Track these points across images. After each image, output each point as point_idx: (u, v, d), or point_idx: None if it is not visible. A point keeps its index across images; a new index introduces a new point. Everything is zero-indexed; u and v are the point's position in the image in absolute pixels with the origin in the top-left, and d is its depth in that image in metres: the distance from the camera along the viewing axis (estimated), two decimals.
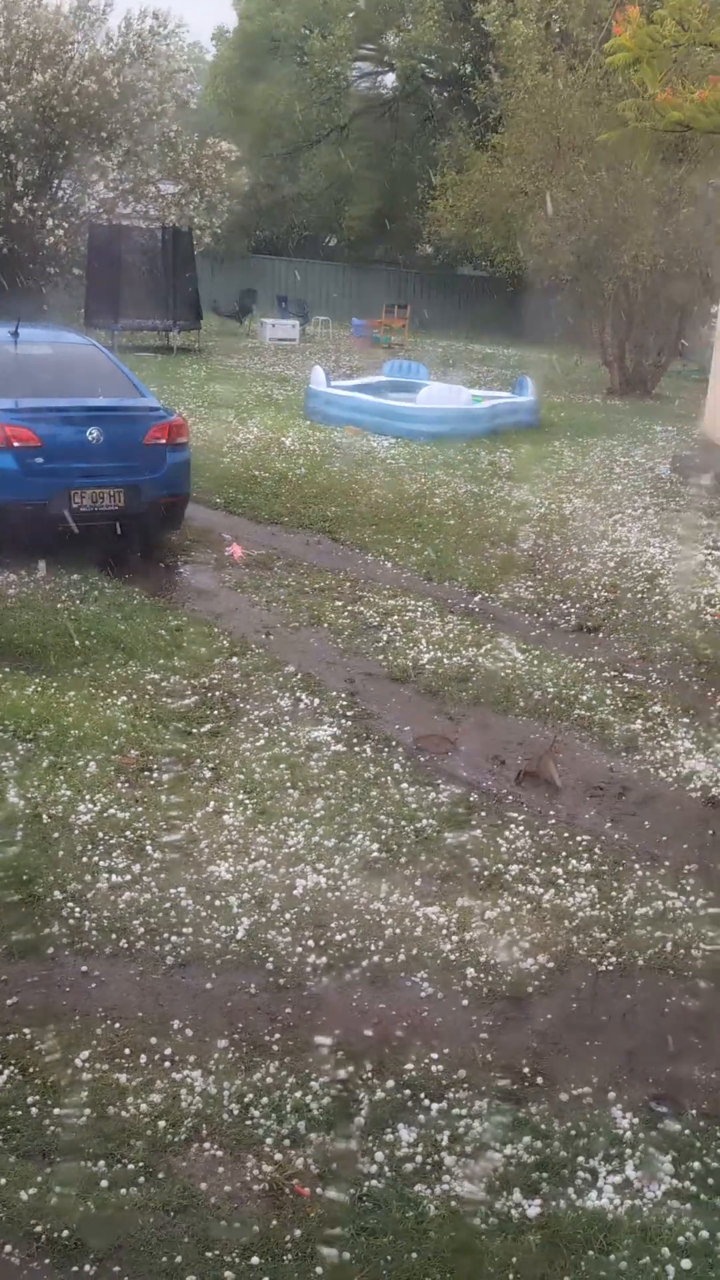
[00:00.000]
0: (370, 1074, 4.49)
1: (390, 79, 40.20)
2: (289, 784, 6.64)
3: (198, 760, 6.83)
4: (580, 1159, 4.16)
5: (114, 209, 27.53)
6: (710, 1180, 4.11)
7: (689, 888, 6.03)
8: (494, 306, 36.69)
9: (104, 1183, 3.87)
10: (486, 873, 5.98)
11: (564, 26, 26.47)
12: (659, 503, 14.38)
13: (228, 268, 35.06)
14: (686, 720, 8.04)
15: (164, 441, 10.29)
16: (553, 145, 24.32)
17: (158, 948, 5.14)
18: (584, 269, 24.85)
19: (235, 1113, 4.23)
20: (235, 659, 8.34)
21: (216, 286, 32.71)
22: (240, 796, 6.45)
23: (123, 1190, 3.85)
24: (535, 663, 8.79)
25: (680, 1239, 3.84)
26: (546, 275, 26.17)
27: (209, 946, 5.18)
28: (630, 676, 8.76)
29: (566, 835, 6.44)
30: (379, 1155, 4.10)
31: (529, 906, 5.72)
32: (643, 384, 25.65)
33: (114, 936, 5.19)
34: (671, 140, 11.08)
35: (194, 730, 7.21)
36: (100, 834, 5.99)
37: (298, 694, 7.87)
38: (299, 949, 5.21)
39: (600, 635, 9.61)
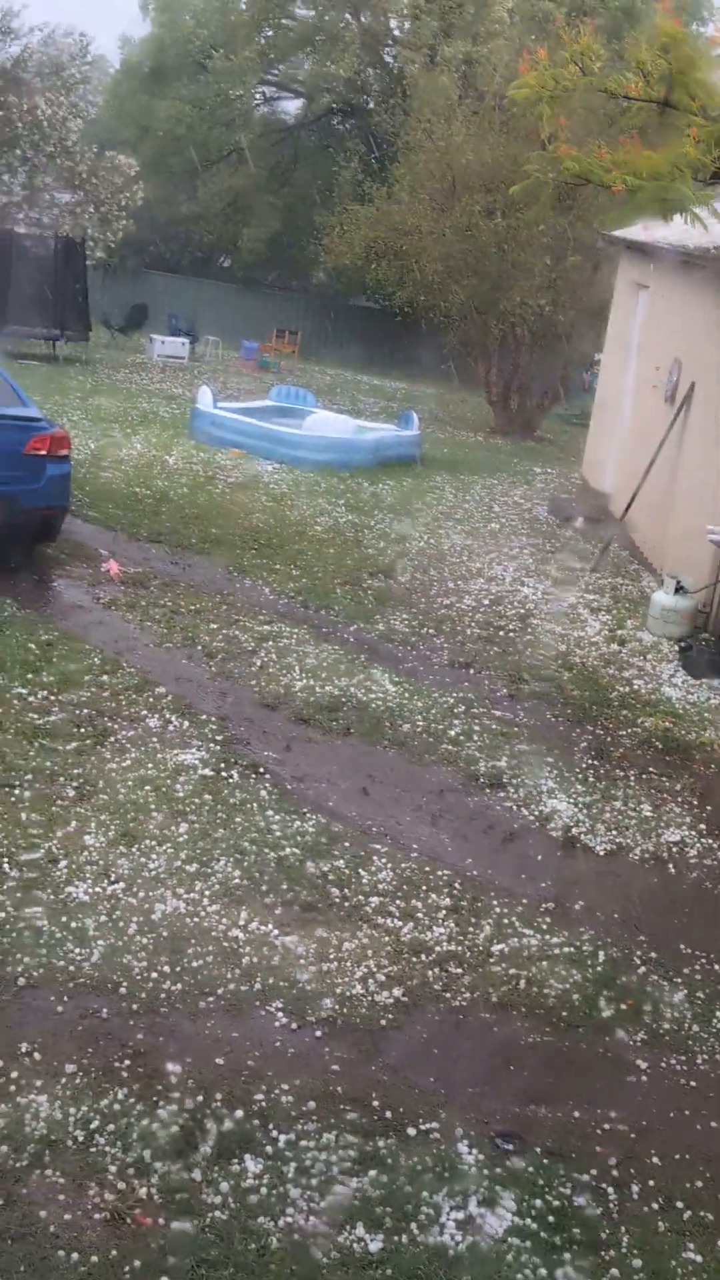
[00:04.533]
0: (219, 1103, 4.46)
1: (293, 105, 40.37)
2: (154, 806, 6.58)
3: (61, 778, 6.74)
4: (425, 1194, 4.18)
5: (6, 215, 27.16)
6: (551, 1218, 4.17)
7: (544, 926, 6.12)
8: (384, 339, 36.94)
9: None
10: (347, 903, 6.00)
11: (480, 85, 26.77)
12: (535, 543, 14.62)
13: (120, 281, 34.76)
14: (551, 759, 8.17)
15: (44, 452, 10.15)
16: (448, 185, 24.65)
17: (9, 968, 5.04)
18: (473, 310, 25.21)
19: (80, 1139, 4.17)
20: (106, 677, 8.24)
21: (108, 300, 32.39)
22: (103, 817, 6.37)
23: None
24: (406, 695, 8.86)
25: (519, 1276, 3.88)
26: (436, 313, 26.47)
27: (62, 969, 5.10)
28: (498, 713, 8.87)
29: (428, 869, 6.49)
30: (224, 1186, 4.07)
31: (387, 939, 5.74)
32: (525, 425, 26.07)
33: None
34: (564, 190, 11.34)
35: (59, 748, 7.10)
36: None
37: (168, 715, 7.81)
38: (154, 974, 5.16)
39: (472, 671, 9.72)
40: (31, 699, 7.69)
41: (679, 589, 11.19)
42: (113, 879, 5.83)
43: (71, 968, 5.11)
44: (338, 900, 6.01)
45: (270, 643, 9.48)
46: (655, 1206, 4.34)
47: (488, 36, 30.78)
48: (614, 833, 7.29)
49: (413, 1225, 4.05)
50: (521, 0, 31.49)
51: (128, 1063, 4.60)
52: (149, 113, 36.25)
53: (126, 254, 33.98)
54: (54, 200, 27.99)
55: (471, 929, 5.97)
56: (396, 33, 35.16)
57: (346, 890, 6.11)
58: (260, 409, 19.70)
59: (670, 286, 14.44)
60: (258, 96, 39.03)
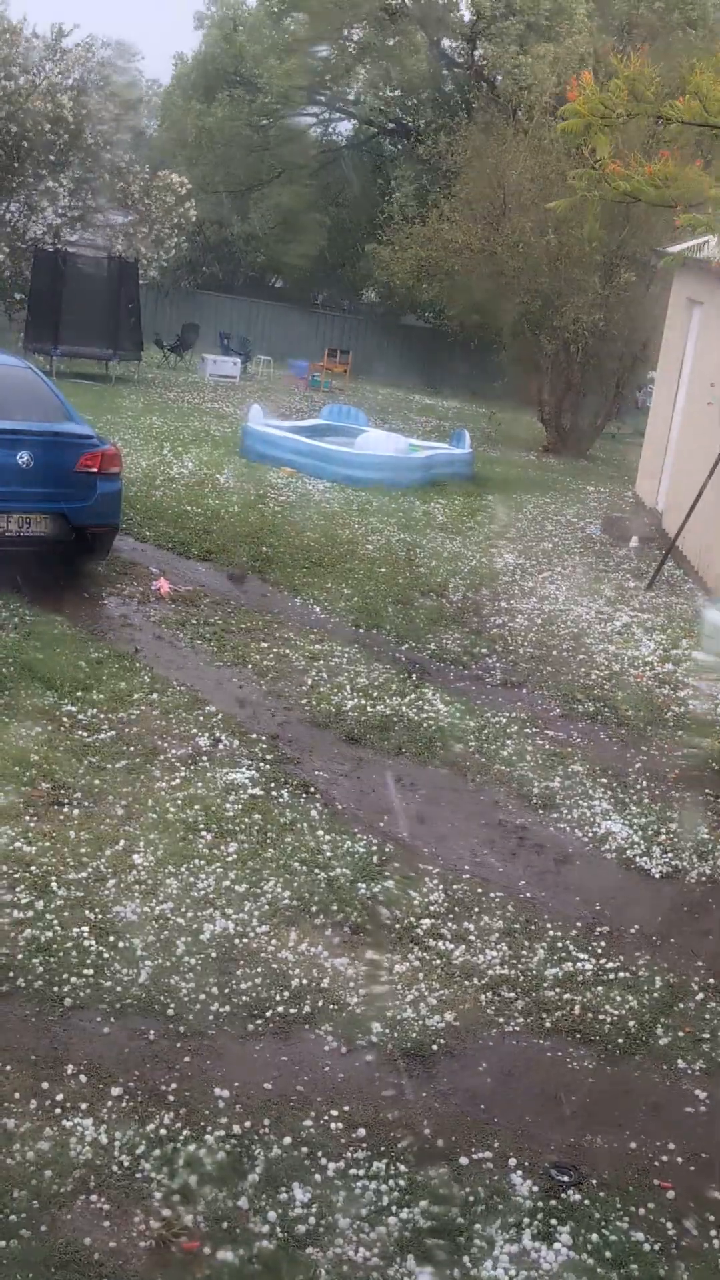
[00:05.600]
0: (267, 1129, 4.38)
1: (346, 126, 40.58)
2: (203, 826, 6.52)
3: (110, 797, 6.69)
4: (477, 1226, 4.07)
5: (60, 235, 27.43)
6: (608, 1253, 4.04)
7: (599, 950, 5.99)
8: (436, 358, 36.97)
9: None
10: (398, 925, 5.90)
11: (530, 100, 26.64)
12: (588, 562, 14.49)
13: (172, 301, 35.03)
14: (605, 780, 8.04)
15: (95, 470, 10.17)
16: (499, 204, 24.62)
17: (56, 988, 4.99)
18: (525, 328, 25.13)
19: (125, 1164, 4.10)
20: (155, 695, 8.21)
21: (160, 319, 32.65)
22: (152, 836, 6.32)
23: (2, 1243, 3.70)
24: (458, 715, 8.76)
25: None
26: (489, 332, 26.41)
27: (109, 989, 5.04)
28: (551, 734, 8.75)
29: (480, 891, 6.38)
30: (271, 1215, 3.99)
31: (439, 962, 5.64)
32: (578, 443, 25.95)
33: (11, 974, 5.04)
34: (618, 208, 11.25)
35: (109, 766, 7.07)
36: (4, 867, 5.83)
37: (218, 734, 7.76)
38: (202, 996, 5.09)
39: (524, 691, 9.61)
40: (81, 716, 7.67)
41: None
42: (161, 899, 5.77)
43: (119, 989, 5.05)
44: (388, 922, 5.92)
45: (321, 661, 9.41)
46: (715, 1242, 4.20)
47: (567, 34, 30.60)
48: (670, 855, 7.14)
49: (465, 1258, 3.94)
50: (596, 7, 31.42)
51: (174, 1086, 4.53)
52: (201, 131, 36.51)
53: (179, 274, 34.25)
54: (107, 220, 28.24)
55: (525, 952, 5.85)
56: (448, 48, 35.17)
57: (397, 912, 6.02)
58: (312, 428, 19.72)
59: None
60: (310, 117, 39.23)
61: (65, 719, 7.61)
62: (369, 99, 37.34)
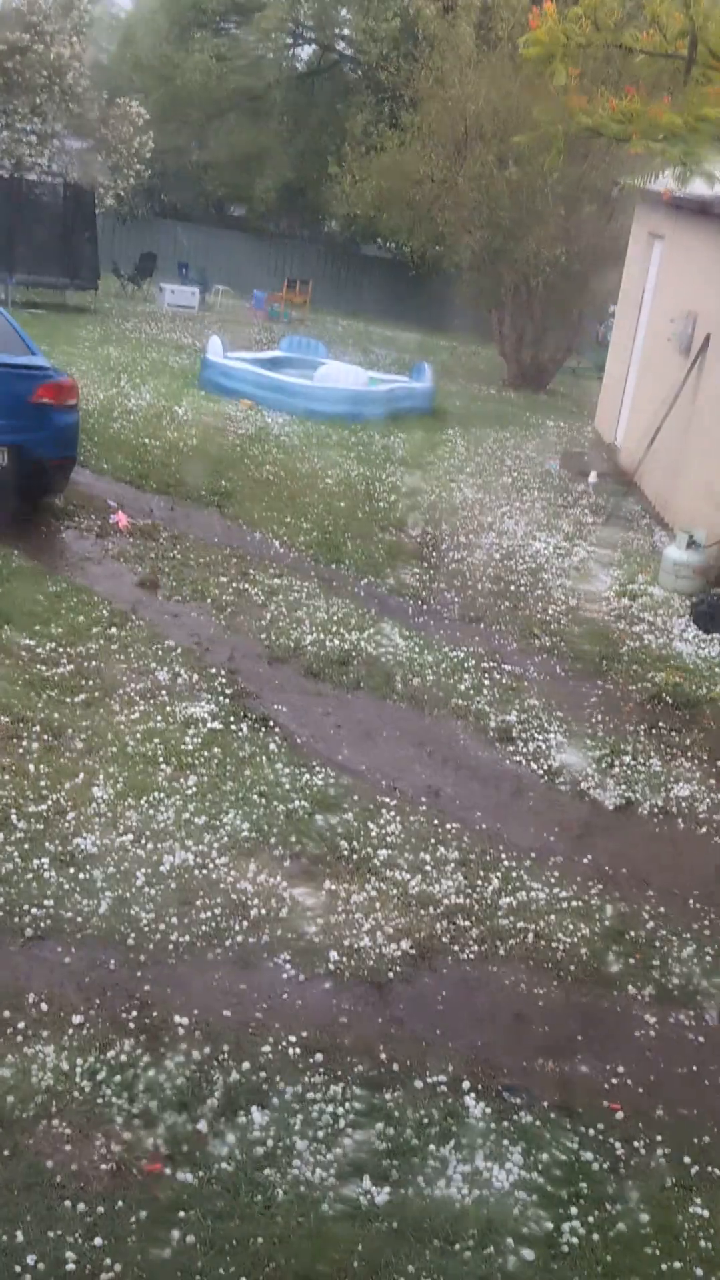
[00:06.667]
0: (226, 1055, 4.46)
1: (306, 52, 39.81)
2: (162, 759, 6.56)
3: (70, 730, 6.71)
4: (431, 1147, 4.18)
5: (16, 160, 26.87)
6: (557, 1172, 4.17)
7: (553, 880, 6.10)
8: (397, 289, 36.66)
9: None
10: (355, 856, 5.98)
11: (495, 31, 26.26)
12: (547, 497, 14.53)
13: (130, 230, 34.48)
14: (560, 714, 8.14)
15: (52, 402, 10.05)
16: (460, 134, 24.33)
17: (16, 919, 5.03)
18: (486, 260, 24.95)
19: (87, 1090, 4.17)
20: (114, 629, 8.21)
21: (117, 248, 32.16)
22: (111, 769, 6.35)
23: None
24: (416, 650, 8.81)
25: (524, 1230, 3.88)
26: (449, 263, 26.22)
27: (70, 920, 5.09)
28: (508, 668, 8.83)
29: (436, 823, 6.47)
30: (230, 1137, 4.08)
31: (395, 892, 5.73)
32: (538, 378, 25.88)
33: None
34: (580, 141, 11.17)
35: (67, 700, 7.08)
36: None
37: (176, 669, 7.77)
38: (162, 926, 5.15)
39: (482, 625, 9.67)
40: (40, 650, 7.66)
41: (691, 543, 11.11)
42: (121, 831, 5.81)
43: (79, 919, 5.11)
44: (346, 853, 5.99)
45: (280, 596, 9.43)
46: (662, 1161, 4.33)
47: None
48: (623, 787, 7.26)
49: (419, 1178, 4.05)
50: None
51: (135, 1014, 4.60)
52: (166, 62, 35.75)
53: (137, 202, 33.69)
54: (63, 146, 27.68)
55: (480, 882, 5.95)
56: None
57: (355, 843, 6.09)
58: (271, 359, 19.56)
59: (687, 237, 14.25)
60: (278, 49, 38.47)
61: (23, 653, 7.60)
62: (359, 38, 36.60)
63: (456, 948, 5.41)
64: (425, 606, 9.92)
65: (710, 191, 11.14)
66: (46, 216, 25.40)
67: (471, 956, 5.38)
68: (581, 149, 19.91)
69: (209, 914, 5.30)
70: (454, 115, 24.47)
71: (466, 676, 8.50)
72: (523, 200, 23.48)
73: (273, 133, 37.11)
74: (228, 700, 7.46)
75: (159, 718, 7.04)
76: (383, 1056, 4.61)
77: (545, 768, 7.38)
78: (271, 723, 7.29)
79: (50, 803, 5.95)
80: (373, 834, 6.22)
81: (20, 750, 6.41)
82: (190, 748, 6.75)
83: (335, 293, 36.53)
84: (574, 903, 5.94)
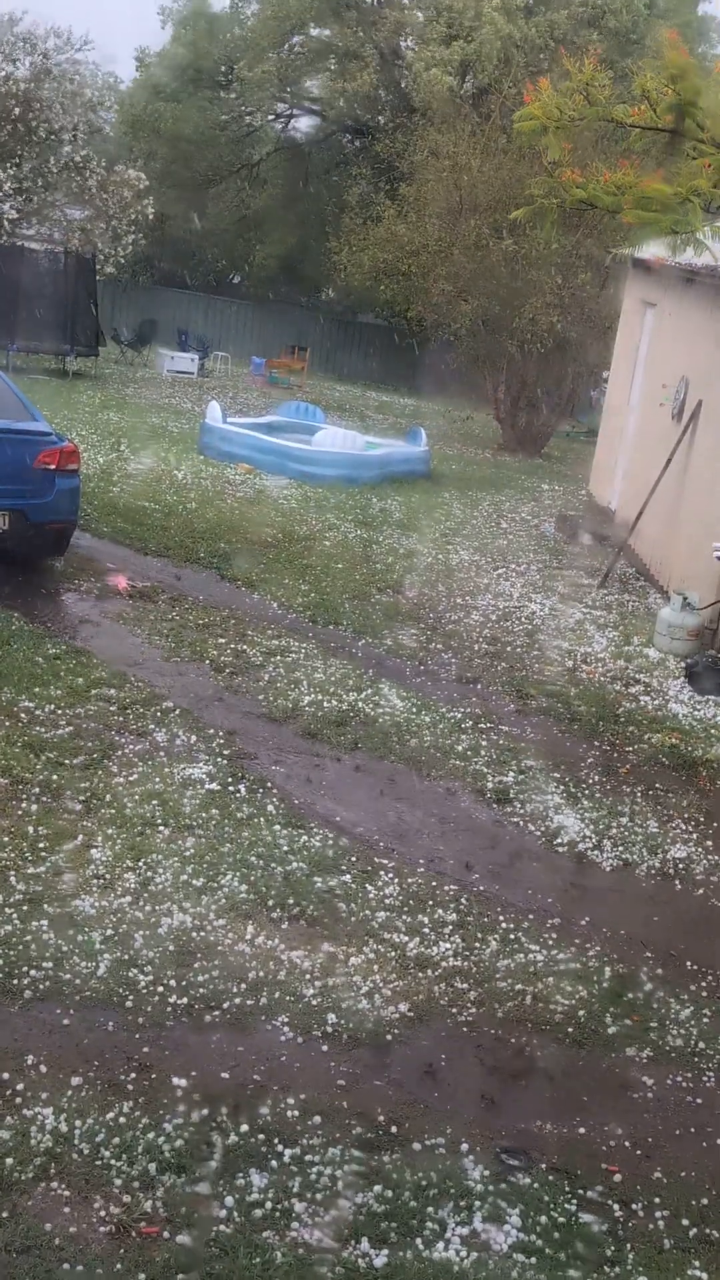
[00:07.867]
0: (225, 1117, 4.46)
1: (304, 122, 40.54)
2: (160, 821, 6.59)
3: (69, 792, 6.75)
4: (430, 1209, 4.17)
5: (16, 230, 27.26)
6: (556, 1234, 4.16)
7: (551, 941, 6.11)
8: (393, 355, 37.07)
9: None
10: (354, 918, 6.00)
11: (480, 80, 26.79)
12: (542, 559, 14.64)
13: (130, 297, 34.93)
14: (558, 775, 8.17)
15: (54, 467, 10.19)
16: (455, 204, 24.72)
17: (15, 981, 5.05)
18: (482, 329, 25.24)
19: (85, 1152, 4.17)
20: (113, 691, 8.26)
21: (118, 315, 32.56)
22: (110, 831, 6.38)
23: None
24: (414, 710, 8.86)
25: None
26: (445, 331, 26.52)
27: (69, 982, 5.10)
28: (505, 729, 8.87)
29: (434, 884, 6.49)
30: (229, 1200, 4.07)
31: (394, 954, 5.74)
32: (533, 442, 26.11)
33: None
34: (574, 212, 11.40)
35: (66, 761, 7.12)
36: None
37: (175, 730, 7.82)
38: (160, 988, 5.16)
39: (479, 686, 9.73)
40: (39, 712, 7.71)
41: (685, 605, 11.20)
42: (119, 893, 5.83)
43: (78, 981, 5.12)
44: (344, 915, 6.01)
45: (278, 657, 9.49)
46: (661, 1224, 4.32)
47: (476, 29, 31.17)
48: (620, 849, 7.28)
49: (418, 1240, 4.04)
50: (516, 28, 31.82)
51: (133, 1076, 4.61)
52: (164, 127, 36.37)
53: (137, 269, 34.14)
54: (64, 216, 28.08)
55: (478, 944, 5.97)
56: (410, 51, 35.25)
57: (353, 905, 6.11)
58: (270, 424, 19.75)
59: (677, 304, 14.47)
60: (271, 115, 39.19)
61: (22, 714, 7.64)
62: (328, 95, 37.33)
63: (455, 1010, 5.42)
64: (422, 667, 9.98)
65: (699, 260, 11.35)
66: (48, 285, 25.73)
67: (469, 1019, 5.38)
68: (575, 219, 20.23)
69: (207, 976, 5.31)
70: (449, 185, 24.87)
71: (464, 737, 8.54)
72: (518, 270, 23.80)
73: (272, 202, 37.66)
74: (225, 761, 7.50)
75: (157, 779, 7.08)
76: (381, 1119, 4.61)
77: (543, 829, 7.41)
78: (269, 784, 7.32)
79: (49, 864, 5.97)
80: (371, 896, 6.24)
81: (19, 812, 6.44)
82: (188, 809, 6.78)
83: (333, 359, 36.92)
84: (572, 964, 5.95)
